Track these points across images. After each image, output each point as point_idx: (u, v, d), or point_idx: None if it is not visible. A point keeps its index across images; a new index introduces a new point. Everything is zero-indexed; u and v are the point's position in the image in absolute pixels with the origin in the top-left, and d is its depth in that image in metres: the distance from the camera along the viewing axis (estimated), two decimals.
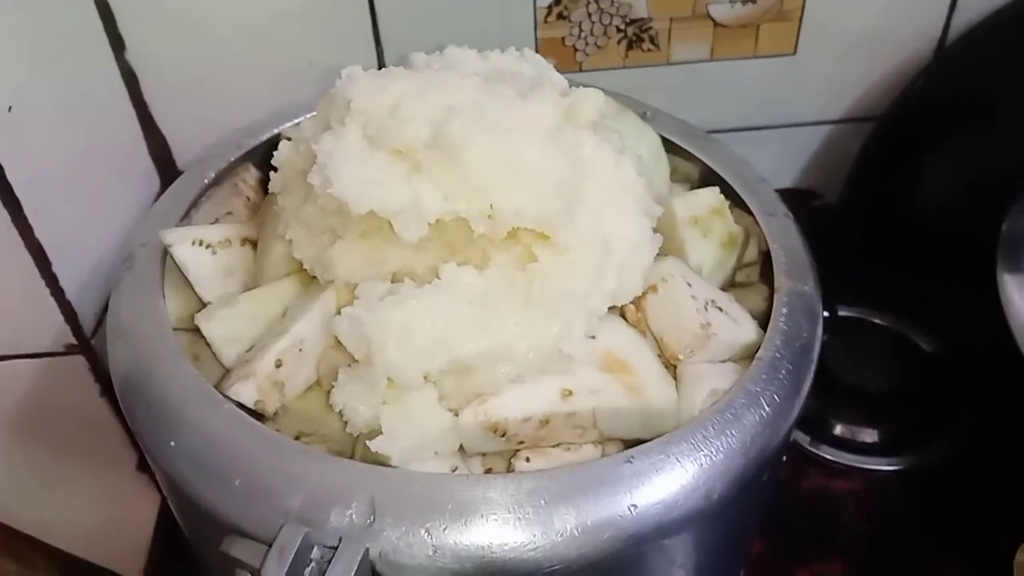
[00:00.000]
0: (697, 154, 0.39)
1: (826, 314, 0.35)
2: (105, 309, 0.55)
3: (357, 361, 0.30)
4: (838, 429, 0.57)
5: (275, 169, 0.35)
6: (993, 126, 0.57)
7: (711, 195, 0.36)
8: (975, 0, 0.56)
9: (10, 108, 0.45)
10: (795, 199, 0.46)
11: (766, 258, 0.38)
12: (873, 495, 0.55)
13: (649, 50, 0.57)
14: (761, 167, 0.43)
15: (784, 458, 0.32)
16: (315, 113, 0.34)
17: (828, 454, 0.56)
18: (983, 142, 0.58)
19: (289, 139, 0.40)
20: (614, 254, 0.30)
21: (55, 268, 0.49)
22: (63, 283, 0.50)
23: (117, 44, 0.56)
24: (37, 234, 0.47)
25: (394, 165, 0.28)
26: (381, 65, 0.55)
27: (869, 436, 0.57)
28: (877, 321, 0.61)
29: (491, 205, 0.28)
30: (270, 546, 0.26)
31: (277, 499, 0.27)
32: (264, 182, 0.42)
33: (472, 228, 0.28)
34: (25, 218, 0.46)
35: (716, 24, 0.55)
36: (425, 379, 0.28)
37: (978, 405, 0.57)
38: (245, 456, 0.28)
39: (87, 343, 0.52)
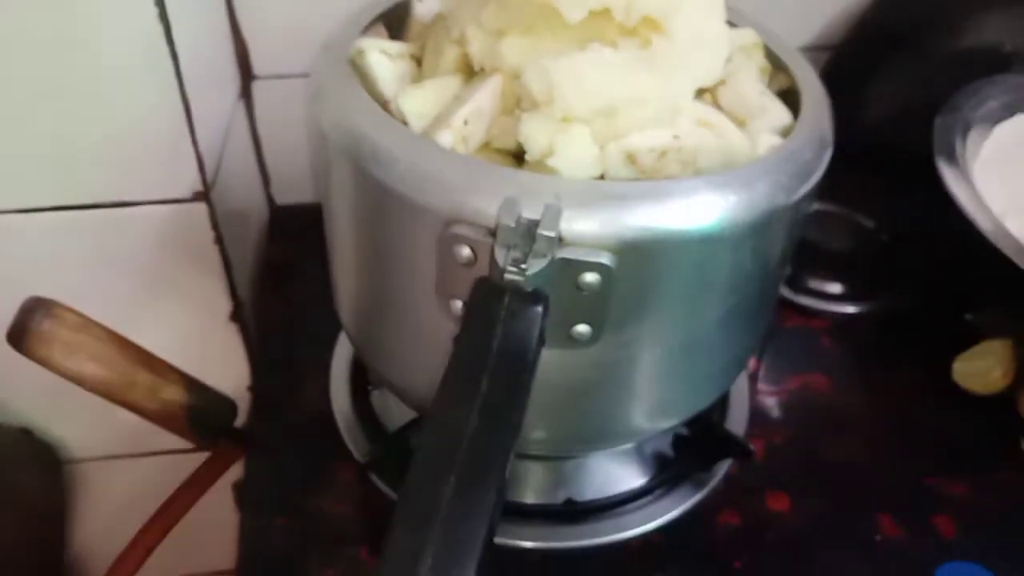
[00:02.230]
0: None
1: None
2: (217, 168, 0.63)
3: (525, 112, 0.41)
4: (811, 283, 0.72)
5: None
6: (924, 52, 0.73)
7: (751, 33, 0.50)
8: None
9: None
10: None
11: (782, 95, 0.52)
12: (841, 330, 0.70)
13: None
14: None
15: (813, 206, 0.46)
16: None
17: (805, 301, 0.71)
18: (917, 67, 0.74)
19: None
20: (705, 45, 0.43)
21: (194, 119, 0.57)
22: (198, 133, 0.58)
23: None
24: (185, 85, 0.56)
25: None
26: None
27: (835, 288, 0.72)
28: (834, 209, 0.77)
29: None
30: (495, 227, 0.37)
31: (490, 195, 0.38)
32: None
33: (613, 17, 0.41)
34: (180, 71, 0.55)
35: None
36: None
37: (913, 263, 0.74)
38: (459, 170, 0.39)
39: (208, 191, 0.60)
